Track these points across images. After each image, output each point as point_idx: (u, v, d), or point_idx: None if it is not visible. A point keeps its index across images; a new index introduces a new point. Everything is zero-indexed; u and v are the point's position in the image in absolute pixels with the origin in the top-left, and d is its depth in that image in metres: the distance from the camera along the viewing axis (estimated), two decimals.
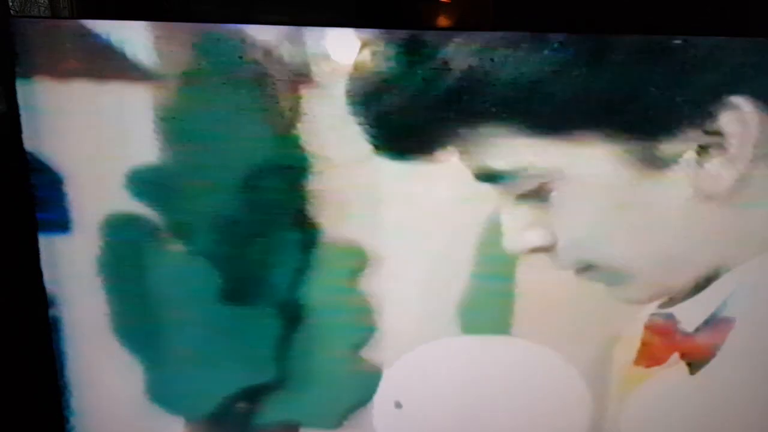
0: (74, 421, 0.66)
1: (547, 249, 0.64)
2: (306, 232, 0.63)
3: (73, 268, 0.62)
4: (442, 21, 0.63)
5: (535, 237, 0.63)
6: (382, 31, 0.58)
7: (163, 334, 0.65)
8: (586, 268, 0.64)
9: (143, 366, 0.66)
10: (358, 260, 0.64)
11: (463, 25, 0.66)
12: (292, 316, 0.65)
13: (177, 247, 0.63)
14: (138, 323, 0.65)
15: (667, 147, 0.60)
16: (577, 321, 0.66)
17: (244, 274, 0.64)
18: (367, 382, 0.68)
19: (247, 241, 0.63)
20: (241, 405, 0.68)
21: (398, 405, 0.69)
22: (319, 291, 0.65)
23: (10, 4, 0.56)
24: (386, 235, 0.64)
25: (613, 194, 0.62)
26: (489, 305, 0.66)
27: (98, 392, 0.66)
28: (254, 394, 0.67)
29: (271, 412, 0.68)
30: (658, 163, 0.60)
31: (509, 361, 0.68)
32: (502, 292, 0.65)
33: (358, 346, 0.67)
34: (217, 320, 0.65)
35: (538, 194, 0.62)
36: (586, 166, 0.61)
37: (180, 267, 0.63)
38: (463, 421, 0.70)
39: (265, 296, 0.64)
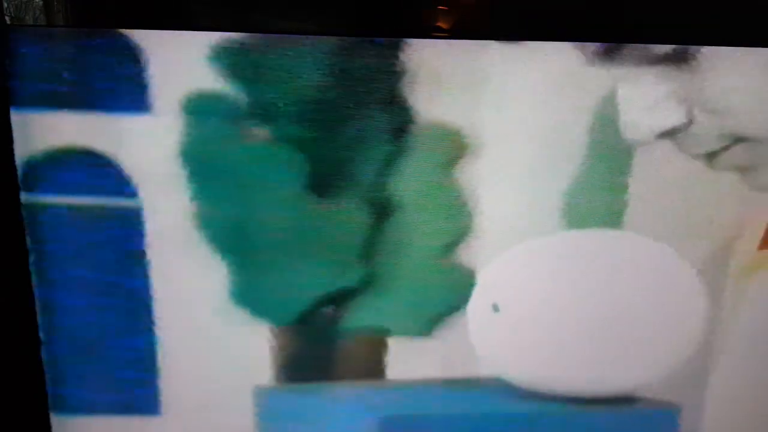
0: (156, 323, 0.64)
1: (681, 129, 0.57)
2: (397, 113, 0.58)
3: (152, 152, 0.58)
4: (441, 25, 0.56)
5: (670, 115, 0.56)
6: None
7: (246, 231, 0.61)
8: (724, 150, 0.57)
9: (226, 265, 0.62)
10: (454, 146, 0.59)
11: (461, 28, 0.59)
12: (380, 210, 0.61)
13: (262, 132, 0.58)
14: (220, 218, 0.61)
15: None
16: (700, 210, 0.60)
17: (331, 162, 0.59)
18: (462, 284, 0.63)
19: (333, 125, 0.58)
20: (327, 309, 0.64)
21: (495, 308, 0.64)
22: (410, 182, 0.60)
23: (5, 6, 0.53)
24: (487, 118, 0.58)
25: None
26: (599, 196, 0.60)
27: (180, 294, 0.63)
28: (340, 298, 0.63)
29: (358, 317, 0.64)
30: None
31: (619, 258, 0.62)
32: (614, 181, 0.60)
33: (453, 243, 0.62)
34: (303, 215, 0.61)
35: (679, 58, 0.54)
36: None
37: (265, 153, 0.59)
38: (568, 326, 0.65)
39: (351, 188, 0.60)
